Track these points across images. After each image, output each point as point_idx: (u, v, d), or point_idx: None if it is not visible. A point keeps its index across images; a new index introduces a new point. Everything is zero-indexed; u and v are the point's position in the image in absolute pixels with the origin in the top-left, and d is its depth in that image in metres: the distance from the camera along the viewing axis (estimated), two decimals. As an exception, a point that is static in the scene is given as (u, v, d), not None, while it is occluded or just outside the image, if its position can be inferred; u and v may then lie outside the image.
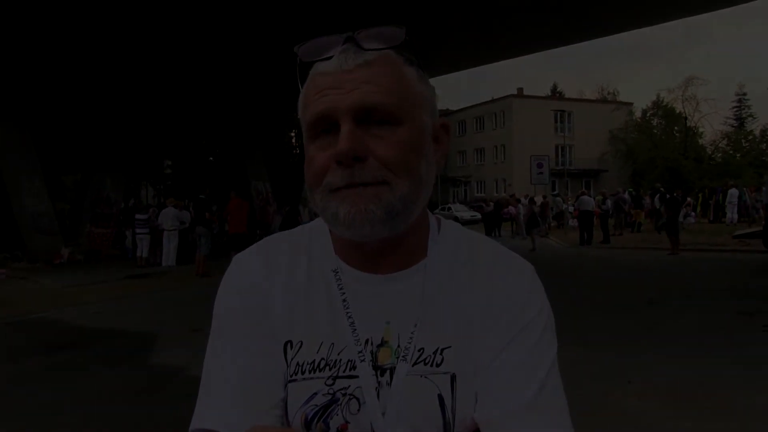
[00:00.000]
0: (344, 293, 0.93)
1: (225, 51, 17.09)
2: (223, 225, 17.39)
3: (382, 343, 0.91)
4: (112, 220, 20.65)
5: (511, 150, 53.51)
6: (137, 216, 17.66)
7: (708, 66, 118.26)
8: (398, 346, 0.90)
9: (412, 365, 0.89)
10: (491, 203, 30.44)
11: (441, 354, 0.90)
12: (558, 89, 69.82)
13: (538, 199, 26.63)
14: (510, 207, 28.25)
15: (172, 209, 16.87)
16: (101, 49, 15.75)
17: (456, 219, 40.44)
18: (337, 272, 0.95)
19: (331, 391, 0.89)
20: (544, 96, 61.28)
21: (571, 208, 29.37)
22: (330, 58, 0.87)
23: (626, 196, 26.87)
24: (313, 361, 0.90)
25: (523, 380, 0.88)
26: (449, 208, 44.00)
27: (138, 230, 17.21)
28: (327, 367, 0.90)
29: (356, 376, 0.89)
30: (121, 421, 4.97)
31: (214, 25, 14.76)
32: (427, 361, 0.90)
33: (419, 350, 0.90)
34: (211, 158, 32.79)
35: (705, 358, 6.30)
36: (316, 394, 0.89)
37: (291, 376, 0.91)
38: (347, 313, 0.92)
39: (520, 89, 58.52)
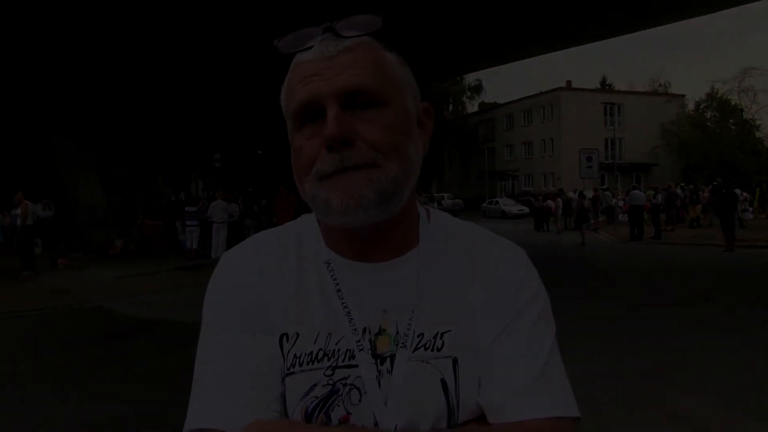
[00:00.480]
0: (338, 283, 0.92)
1: (271, 46, 17.23)
2: (272, 218, 17.63)
3: (380, 332, 0.90)
4: (163, 213, 21.11)
5: (560, 143, 52.70)
6: (187, 208, 17.99)
7: (766, 56, 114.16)
8: (397, 333, 0.90)
9: (413, 351, 0.89)
10: (540, 197, 30.07)
11: (441, 338, 0.89)
12: (607, 82, 68.33)
13: (588, 193, 26.19)
14: (549, 201, 27.91)
15: (221, 202, 17.14)
16: (151, 49, 16.06)
17: (504, 213, 40.19)
18: (329, 263, 0.94)
19: (331, 382, 0.88)
20: (593, 89, 60.12)
21: (620, 203, 28.85)
22: (310, 47, 0.88)
23: (678, 190, 26.23)
24: (311, 353, 0.89)
25: (524, 361, 0.88)
26: (497, 202, 43.59)
27: (188, 222, 17.53)
28: (326, 358, 0.88)
29: (356, 365, 0.88)
30: (170, 410, 5.07)
31: (262, 21, 14.90)
32: (427, 346, 0.89)
33: (419, 336, 0.89)
34: (260, 152, 33.18)
35: (763, 359, 6.11)
36: (315, 385, 0.88)
37: (288, 369, 0.89)
38: (342, 303, 0.91)
39: (569, 82, 57.62)
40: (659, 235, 21.01)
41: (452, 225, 1.01)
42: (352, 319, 0.90)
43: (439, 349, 0.89)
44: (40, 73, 16.79)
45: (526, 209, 36.87)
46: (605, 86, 65.13)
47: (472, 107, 64.71)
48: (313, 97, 0.85)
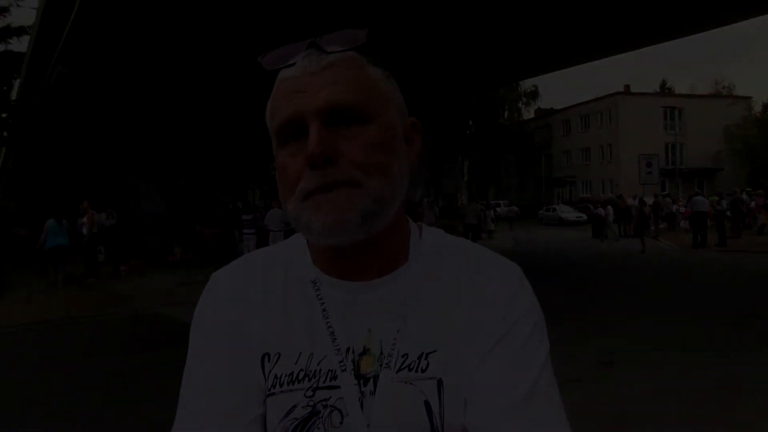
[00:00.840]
0: (323, 302, 0.90)
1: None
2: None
3: (364, 351, 0.88)
4: (220, 221, 21.54)
5: (618, 149, 51.63)
6: (243, 217, 18.33)
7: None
8: (381, 353, 0.87)
9: (396, 372, 0.86)
10: (598, 204, 29.48)
11: (426, 359, 0.87)
12: (667, 85, 66.67)
13: (649, 200, 25.57)
14: (599, 209, 27.37)
15: (277, 210, 17.34)
16: (214, 72, 16.43)
17: (561, 220, 39.59)
18: (316, 282, 0.92)
19: (311, 403, 0.86)
20: (652, 93, 58.79)
21: (682, 209, 28.09)
22: (294, 64, 0.86)
23: (744, 196, 25.33)
24: (291, 373, 0.87)
25: (511, 382, 0.84)
26: (554, 209, 43.00)
27: (245, 231, 17.84)
28: (306, 378, 0.87)
29: (337, 387, 0.86)
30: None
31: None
32: (411, 367, 0.86)
33: (403, 356, 0.87)
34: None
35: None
36: (295, 406, 0.86)
37: (269, 390, 0.88)
38: (327, 322, 0.89)
39: (627, 86, 56.49)
40: (724, 243, 20.30)
41: (444, 242, 0.98)
42: (335, 338, 0.88)
43: (423, 370, 0.86)
44: (111, 86, 17.35)
45: (584, 216, 36.21)
46: (665, 90, 63.58)
47: (528, 113, 64.07)
48: (296, 114, 0.83)
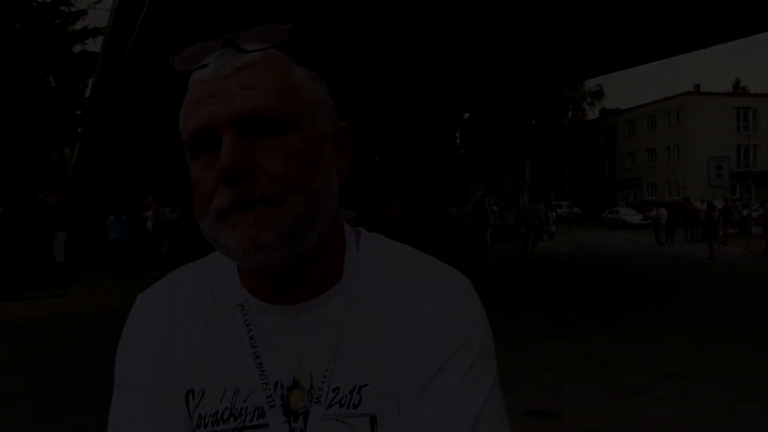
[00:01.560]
0: (251, 329, 0.82)
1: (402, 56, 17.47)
2: (387, 223, 17.82)
3: (294, 384, 0.80)
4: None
5: (686, 151, 50.05)
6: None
7: None
8: (311, 386, 0.80)
9: (327, 408, 0.78)
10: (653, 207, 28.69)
11: (359, 393, 0.79)
12: (741, 85, 64.17)
13: (718, 204, 24.70)
14: (654, 210, 26.55)
15: (338, 208, 17.60)
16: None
17: (624, 223, 38.70)
18: (243, 306, 0.84)
19: None
20: (724, 92, 56.69)
21: (754, 214, 27.03)
22: (207, 65, 0.76)
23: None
24: (216, 412, 0.80)
25: (455, 413, 0.76)
26: (617, 211, 42.10)
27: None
28: (232, 418, 0.79)
29: (266, 425, 0.79)
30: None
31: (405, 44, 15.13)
32: (342, 403, 0.79)
33: (334, 390, 0.79)
34: (377, 158, 33.70)
35: None
36: None
37: (195, 431, 0.81)
38: (254, 352, 0.81)
39: (697, 86, 54.67)
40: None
41: (385, 254, 0.88)
42: (263, 371, 0.80)
43: (355, 406, 0.78)
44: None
45: (648, 219, 35.32)
46: (739, 89, 61.24)
47: (592, 113, 62.75)
48: (207, 123, 0.74)
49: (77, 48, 22.10)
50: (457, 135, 42.21)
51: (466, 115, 35.55)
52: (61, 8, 20.76)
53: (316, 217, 0.77)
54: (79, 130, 25.12)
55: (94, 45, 24.36)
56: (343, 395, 0.79)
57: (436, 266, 0.88)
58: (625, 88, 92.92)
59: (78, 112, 24.44)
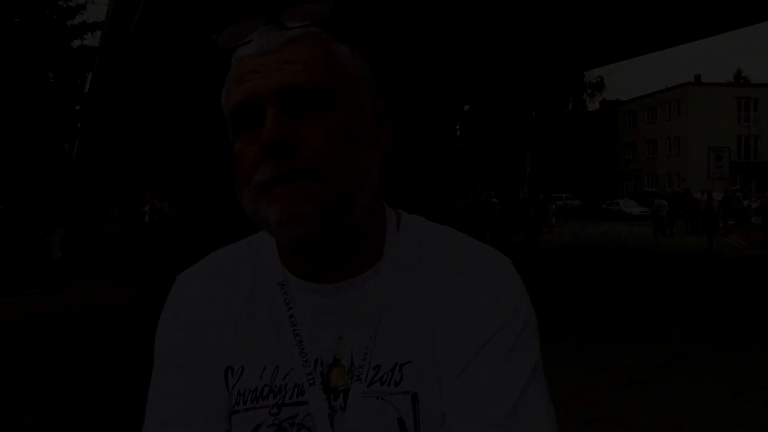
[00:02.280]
0: (291, 308, 0.83)
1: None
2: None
3: (334, 362, 0.80)
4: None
5: (687, 142, 49.92)
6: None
7: None
8: (352, 364, 0.80)
9: (368, 385, 0.78)
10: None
11: (400, 371, 0.79)
12: (743, 75, 63.95)
13: (718, 195, 24.68)
14: (657, 201, 26.60)
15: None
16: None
17: (624, 214, 38.67)
18: (283, 285, 0.85)
19: (276, 422, 0.79)
20: (725, 83, 56.51)
21: (754, 205, 27.01)
22: (250, 42, 0.78)
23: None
24: (255, 389, 0.81)
25: (494, 395, 0.75)
26: (617, 203, 42.10)
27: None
28: (271, 395, 0.80)
29: (305, 402, 0.79)
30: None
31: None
32: (383, 380, 0.78)
33: (375, 368, 0.79)
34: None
35: None
36: (259, 426, 0.79)
37: (233, 407, 0.82)
38: (294, 330, 0.82)
39: (698, 76, 54.49)
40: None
41: (424, 234, 0.88)
42: (303, 349, 0.81)
43: (396, 384, 0.78)
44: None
45: (648, 211, 35.34)
46: (740, 80, 61.07)
47: (593, 105, 62.60)
48: (250, 98, 0.75)
49: (76, 43, 22.10)
50: (457, 127, 42.14)
51: (466, 108, 35.48)
52: (60, 3, 20.75)
53: (357, 193, 0.77)
54: (78, 125, 25.14)
55: (93, 40, 24.32)
56: (383, 373, 0.79)
57: (477, 246, 0.88)
58: (626, 80, 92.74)
59: (77, 108, 24.45)
